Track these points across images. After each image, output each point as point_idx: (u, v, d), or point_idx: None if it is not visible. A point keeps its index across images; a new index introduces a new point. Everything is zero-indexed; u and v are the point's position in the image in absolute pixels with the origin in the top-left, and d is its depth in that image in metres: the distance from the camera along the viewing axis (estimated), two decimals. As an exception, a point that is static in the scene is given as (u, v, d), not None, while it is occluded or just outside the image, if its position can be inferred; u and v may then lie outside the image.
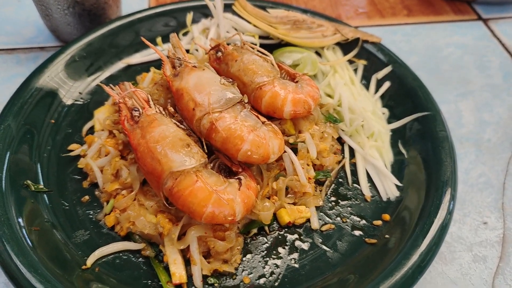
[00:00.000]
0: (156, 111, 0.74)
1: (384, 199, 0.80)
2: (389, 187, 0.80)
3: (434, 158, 0.79)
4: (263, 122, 0.74)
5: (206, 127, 0.71)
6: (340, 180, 0.84)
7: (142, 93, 0.78)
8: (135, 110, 0.74)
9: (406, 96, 0.91)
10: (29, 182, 0.76)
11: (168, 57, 0.83)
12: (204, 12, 1.07)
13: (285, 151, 0.77)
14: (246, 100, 0.74)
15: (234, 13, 1.06)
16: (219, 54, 0.86)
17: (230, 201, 0.66)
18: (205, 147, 0.72)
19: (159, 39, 1.01)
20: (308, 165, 0.79)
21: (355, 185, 0.83)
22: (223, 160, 0.74)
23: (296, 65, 0.97)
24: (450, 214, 0.72)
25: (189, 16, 1.03)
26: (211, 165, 0.72)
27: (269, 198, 0.76)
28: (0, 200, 0.71)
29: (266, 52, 0.87)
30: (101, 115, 0.86)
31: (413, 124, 0.87)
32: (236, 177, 0.70)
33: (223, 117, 0.71)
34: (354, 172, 0.84)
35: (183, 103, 0.74)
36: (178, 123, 0.74)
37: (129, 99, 0.77)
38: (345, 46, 1.02)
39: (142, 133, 0.70)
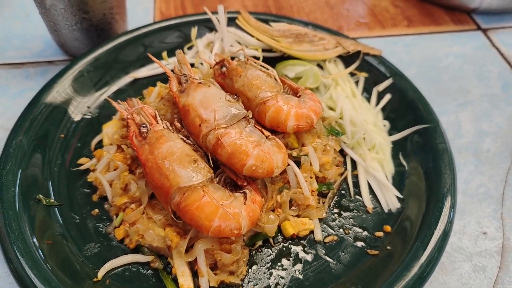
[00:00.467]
0: (163, 127, 0.77)
1: (386, 210, 0.82)
2: (390, 199, 0.83)
3: (434, 170, 0.81)
4: (267, 137, 0.77)
5: (212, 142, 0.74)
6: (343, 192, 0.86)
7: (150, 109, 0.80)
8: (143, 126, 0.76)
9: (406, 109, 0.93)
10: (41, 196, 0.78)
11: (174, 73, 0.85)
12: (207, 25, 1.10)
13: (288, 164, 0.79)
14: (250, 116, 0.77)
15: (238, 26, 1.09)
16: (224, 69, 0.89)
17: (236, 215, 0.68)
18: (211, 162, 0.74)
19: (164, 54, 1.04)
20: (311, 177, 0.81)
21: (357, 196, 0.85)
22: (229, 174, 0.76)
23: (298, 78, 0.99)
24: (450, 226, 0.74)
25: (194, 31, 1.06)
26: (217, 179, 0.74)
27: (273, 210, 0.78)
28: (13, 214, 0.73)
29: (269, 67, 0.89)
30: (110, 130, 0.88)
31: (414, 136, 0.89)
32: (241, 191, 0.73)
33: (229, 132, 0.73)
34: (356, 184, 0.86)
35: (189, 119, 0.77)
36: (184, 138, 0.76)
37: (137, 115, 0.79)
38: (346, 59, 1.04)
39: (150, 149, 0.73)
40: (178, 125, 0.79)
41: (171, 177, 0.68)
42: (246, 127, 0.75)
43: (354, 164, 0.89)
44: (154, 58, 0.85)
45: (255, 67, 0.88)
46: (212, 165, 0.74)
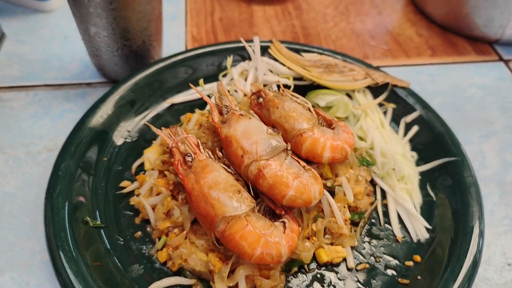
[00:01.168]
0: (206, 156, 0.81)
1: (415, 240, 0.86)
2: (419, 229, 0.86)
3: (462, 203, 0.85)
4: (303, 167, 0.81)
5: (254, 173, 0.78)
6: (373, 220, 0.89)
7: (193, 138, 0.84)
8: (188, 156, 0.80)
9: (434, 141, 0.97)
10: (88, 218, 0.83)
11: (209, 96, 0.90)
12: (240, 53, 1.15)
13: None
14: (289, 148, 0.81)
15: (270, 55, 1.13)
16: (261, 99, 0.93)
17: (277, 244, 0.72)
18: (251, 191, 0.78)
19: (201, 81, 1.08)
20: (344, 207, 0.85)
21: (387, 225, 0.88)
22: (268, 203, 0.80)
23: (329, 107, 1.04)
24: (479, 258, 0.77)
25: (229, 60, 1.10)
26: (257, 207, 0.78)
27: (308, 238, 0.82)
28: (64, 236, 0.77)
29: (304, 99, 0.93)
30: (151, 155, 0.93)
31: (441, 168, 0.93)
32: (280, 220, 0.77)
33: (270, 164, 0.77)
34: (386, 213, 0.90)
35: (231, 149, 0.81)
36: (226, 167, 0.80)
37: (181, 144, 0.84)
38: (374, 89, 1.08)
39: (196, 178, 0.77)
40: (220, 154, 0.83)
41: (217, 207, 0.72)
42: (285, 159, 0.79)
43: (383, 193, 0.93)
44: (196, 89, 0.90)
45: (290, 98, 0.92)
46: (253, 195, 0.78)
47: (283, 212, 0.79)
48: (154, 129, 0.89)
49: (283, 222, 0.76)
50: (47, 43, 1.29)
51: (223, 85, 0.91)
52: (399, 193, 0.90)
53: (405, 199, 0.90)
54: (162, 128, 0.99)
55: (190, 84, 0.94)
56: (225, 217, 0.72)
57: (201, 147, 0.83)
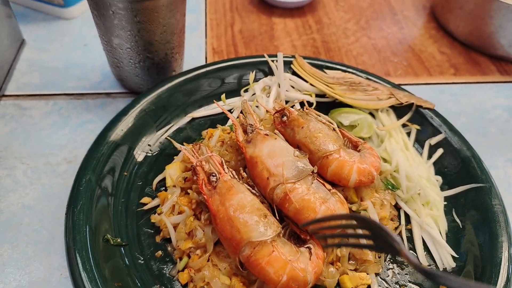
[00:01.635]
0: (231, 176, 0.80)
1: (441, 268, 0.84)
2: (445, 257, 0.84)
3: (490, 233, 0.83)
4: (329, 190, 0.80)
5: (280, 196, 0.76)
6: (397, 246, 0.88)
7: (217, 157, 0.83)
8: (213, 175, 0.79)
9: (459, 165, 0.95)
10: (108, 236, 0.82)
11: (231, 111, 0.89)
12: (261, 68, 1.13)
13: (348, 219, 0.82)
14: (315, 171, 0.79)
15: (292, 70, 1.12)
16: (284, 118, 0.92)
17: (303, 271, 0.70)
18: (276, 215, 0.77)
19: (223, 96, 1.07)
20: (369, 232, 0.83)
21: (411, 251, 0.87)
22: (293, 228, 0.79)
23: (352, 126, 1.02)
24: (507, 290, 0.76)
25: (252, 76, 1.09)
26: (282, 231, 0.77)
27: (332, 263, 0.80)
28: (86, 256, 0.76)
29: (329, 119, 0.92)
30: (173, 171, 0.92)
31: (468, 194, 0.91)
32: (306, 246, 0.75)
33: (296, 188, 0.76)
34: (410, 239, 0.88)
35: (257, 171, 0.80)
36: (251, 189, 0.79)
37: (205, 162, 0.82)
38: (398, 108, 1.06)
39: (221, 200, 0.75)
40: (244, 174, 0.82)
41: (243, 231, 0.71)
42: (312, 182, 0.78)
43: (407, 218, 0.91)
44: (222, 108, 0.89)
45: (315, 118, 0.91)
46: (278, 217, 0.77)
47: (308, 237, 0.78)
48: (177, 145, 0.88)
49: (309, 248, 0.74)
50: (67, 51, 1.28)
51: (247, 103, 0.90)
52: (425, 219, 0.88)
53: (431, 226, 0.88)
54: (184, 143, 0.99)
55: (215, 101, 0.93)
56: (251, 242, 0.70)
57: (225, 166, 0.82)
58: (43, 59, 1.25)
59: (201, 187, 0.79)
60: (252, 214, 0.73)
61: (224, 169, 0.81)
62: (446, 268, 0.83)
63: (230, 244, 0.73)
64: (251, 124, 0.86)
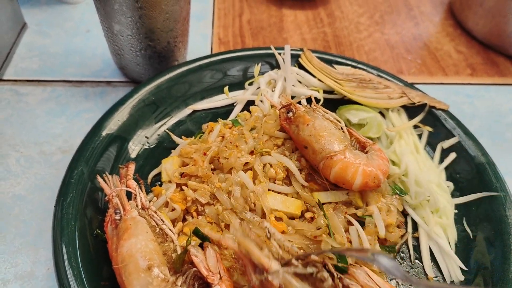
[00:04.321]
0: (137, 213, 0.72)
1: (448, 281, 0.79)
2: (453, 269, 0.79)
3: (503, 246, 0.78)
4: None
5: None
6: (402, 254, 0.83)
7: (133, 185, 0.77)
8: (116, 212, 0.72)
9: (473, 171, 0.89)
10: (98, 231, 0.78)
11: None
12: (267, 61, 1.08)
13: (352, 224, 0.77)
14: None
15: (299, 65, 1.07)
16: (290, 114, 0.87)
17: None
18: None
19: (226, 89, 1.03)
20: (374, 240, 0.78)
21: (417, 261, 0.82)
22: (198, 272, 0.67)
23: (361, 125, 0.97)
24: (519, 309, 0.70)
25: (257, 68, 1.04)
26: (184, 277, 0.66)
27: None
28: (72, 252, 0.72)
29: (337, 117, 0.87)
30: (169, 166, 0.87)
31: (481, 203, 0.85)
32: None
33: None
34: (416, 248, 0.83)
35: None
36: (158, 223, 0.72)
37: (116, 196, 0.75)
38: (410, 108, 1.01)
39: (116, 244, 0.68)
40: (153, 208, 0.75)
41: (127, 285, 0.64)
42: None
43: (414, 225, 0.86)
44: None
45: (322, 116, 0.86)
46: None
47: (215, 282, 0.65)
48: (176, 138, 0.84)
49: None
50: (69, 37, 1.24)
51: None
52: (433, 227, 0.83)
53: (439, 235, 0.83)
54: (183, 137, 0.95)
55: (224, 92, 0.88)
56: None
57: (140, 197, 0.75)
58: (43, 44, 1.21)
59: (106, 225, 0.73)
60: (137, 265, 0.64)
61: (138, 202, 0.74)
62: (453, 281, 0.78)
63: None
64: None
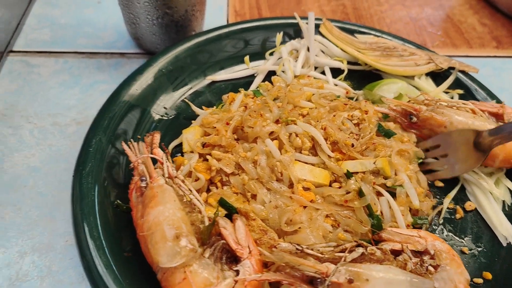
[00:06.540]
0: (164, 181, 0.69)
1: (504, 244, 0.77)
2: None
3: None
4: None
5: None
6: (434, 227, 0.79)
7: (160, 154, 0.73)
8: (142, 180, 0.69)
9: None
10: (119, 202, 0.75)
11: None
12: (287, 31, 1.04)
13: (382, 195, 0.74)
14: None
15: (320, 34, 1.03)
16: (414, 119, 0.84)
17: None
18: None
19: (246, 58, 0.99)
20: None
21: (450, 234, 0.78)
22: (226, 245, 0.64)
23: (398, 98, 0.93)
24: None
25: (279, 37, 1.00)
26: (211, 249, 0.64)
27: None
28: (93, 222, 0.69)
29: (463, 101, 0.86)
30: (190, 136, 0.83)
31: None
32: (235, 268, 0.62)
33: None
34: (449, 220, 0.80)
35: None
36: (186, 194, 0.68)
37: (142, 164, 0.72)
38: (435, 77, 0.97)
39: (142, 211, 0.65)
40: (181, 177, 0.72)
41: (153, 253, 0.61)
42: None
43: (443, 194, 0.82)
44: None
45: (449, 107, 0.84)
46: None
47: (244, 256, 0.63)
48: (195, 108, 0.80)
49: (237, 272, 0.61)
50: (79, 8, 1.20)
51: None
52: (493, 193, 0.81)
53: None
54: (203, 107, 0.91)
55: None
56: (161, 268, 0.61)
57: (167, 166, 0.71)
58: (53, 15, 1.17)
59: (130, 193, 0.70)
60: (165, 233, 0.61)
61: (165, 171, 0.70)
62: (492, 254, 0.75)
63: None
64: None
